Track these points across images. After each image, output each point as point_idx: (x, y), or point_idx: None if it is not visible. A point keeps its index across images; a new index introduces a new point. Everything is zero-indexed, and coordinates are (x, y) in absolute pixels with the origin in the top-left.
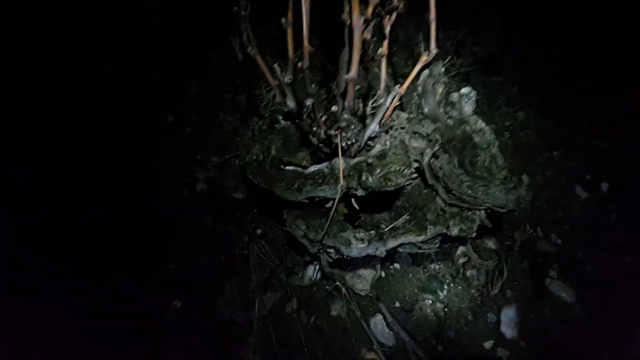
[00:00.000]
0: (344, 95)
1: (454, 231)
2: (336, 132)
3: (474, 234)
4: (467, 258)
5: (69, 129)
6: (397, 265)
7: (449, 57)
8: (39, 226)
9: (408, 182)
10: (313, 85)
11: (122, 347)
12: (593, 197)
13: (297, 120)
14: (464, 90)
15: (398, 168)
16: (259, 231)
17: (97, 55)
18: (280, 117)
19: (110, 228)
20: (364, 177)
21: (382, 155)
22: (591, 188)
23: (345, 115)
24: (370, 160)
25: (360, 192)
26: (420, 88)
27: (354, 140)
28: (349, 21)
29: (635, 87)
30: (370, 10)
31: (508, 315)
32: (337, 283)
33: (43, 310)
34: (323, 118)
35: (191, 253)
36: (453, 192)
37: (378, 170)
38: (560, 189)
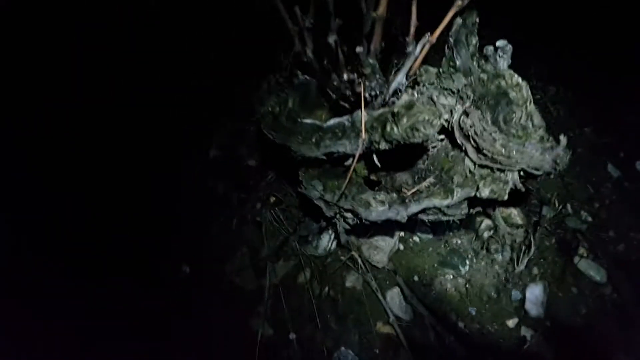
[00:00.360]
0: (369, 37)
1: (485, 192)
2: (359, 80)
3: (506, 197)
4: (492, 232)
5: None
6: (416, 239)
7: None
8: (42, 206)
9: (434, 144)
10: (337, 20)
11: (130, 311)
12: (626, 176)
13: (317, 73)
14: (500, 42)
15: (427, 118)
16: (272, 199)
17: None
18: (299, 72)
19: (120, 192)
20: (388, 128)
21: (409, 106)
22: (624, 167)
23: (371, 60)
24: (396, 110)
25: (383, 146)
26: (452, 39)
27: (377, 92)
28: None
29: None
30: None
31: (534, 293)
32: (353, 253)
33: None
34: (345, 66)
35: (202, 219)
36: (484, 151)
37: (405, 120)
38: (591, 166)
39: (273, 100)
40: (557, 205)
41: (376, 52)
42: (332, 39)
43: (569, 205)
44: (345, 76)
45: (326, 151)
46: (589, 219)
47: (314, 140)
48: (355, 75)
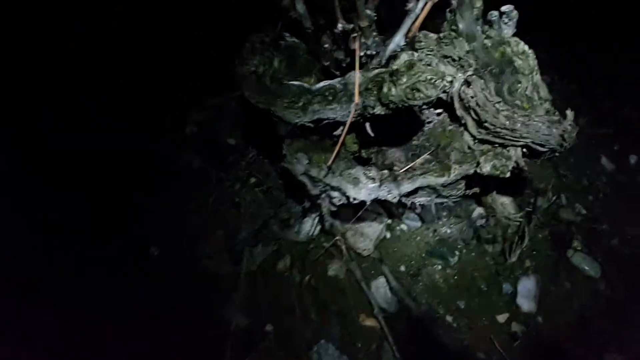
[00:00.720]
0: None
1: (486, 168)
2: (355, 35)
3: (509, 174)
4: (484, 221)
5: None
6: (404, 226)
7: None
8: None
9: (429, 119)
10: None
11: (88, 296)
12: (620, 169)
13: (307, 34)
14: (505, 7)
15: (429, 77)
16: (252, 179)
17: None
18: (287, 34)
19: (86, 167)
20: (385, 89)
21: (410, 65)
22: (619, 160)
23: (369, 11)
24: (395, 68)
25: (379, 110)
26: (455, 1)
27: (373, 51)
28: None
29: None
30: None
31: (526, 286)
32: (337, 239)
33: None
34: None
35: (175, 197)
36: (486, 124)
37: (405, 80)
38: (586, 158)
39: (257, 60)
40: (551, 196)
41: (375, 2)
42: None
43: (563, 197)
44: (340, 26)
45: (314, 117)
46: (583, 211)
47: (301, 103)
48: (351, 27)
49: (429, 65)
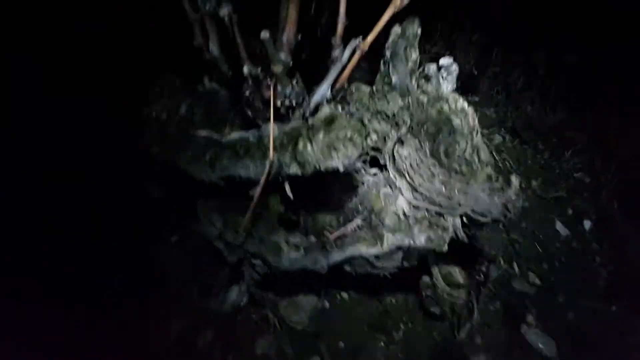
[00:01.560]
0: (282, 24)
1: (420, 240)
2: (269, 83)
3: (445, 248)
4: (430, 291)
5: None
6: (344, 295)
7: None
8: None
9: (364, 179)
10: None
11: None
12: (574, 236)
13: (225, 76)
14: (444, 61)
15: (349, 134)
16: (174, 238)
17: None
18: (206, 78)
19: None
20: (300, 146)
21: (330, 119)
22: (572, 225)
23: (282, 55)
24: (312, 122)
25: (294, 170)
26: (388, 52)
27: (294, 102)
28: None
29: (621, 116)
30: None
31: None
32: (267, 309)
33: None
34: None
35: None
36: (420, 189)
37: (321, 136)
38: (539, 223)
39: (161, 104)
40: (502, 264)
41: (290, 45)
42: (224, 10)
43: (515, 265)
44: (245, 69)
45: (224, 174)
46: (537, 281)
47: (208, 158)
48: (259, 71)
49: (356, 120)
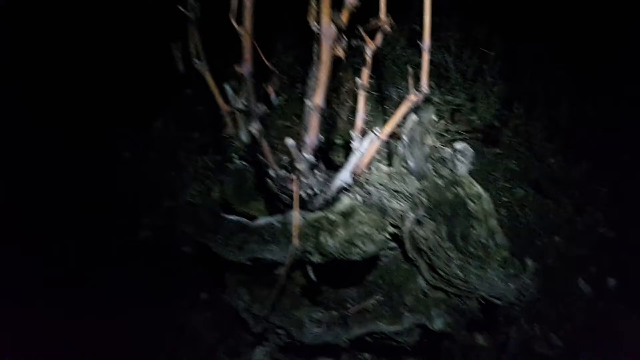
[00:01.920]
0: (306, 127)
1: (437, 324)
2: (292, 177)
3: (464, 332)
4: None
5: None
6: (367, 356)
7: (442, 123)
8: None
9: (384, 253)
10: (259, 106)
11: None
12: (598, 294)
13: (255, 160)
14: (459, 145)
15: (367, 231)
16: (203, 295)
17: None
18: (236, 156)
19: None
20: (322, 239)
21: (349, 213)
22: (596, 283)
23: (306, 155)
24: (332, 217)
25: (317, 259)
26: (406, 137)
27: (317, 191)
28: (315, 27)
29: None
30: (345, 16)
31: None
32: None
33: None
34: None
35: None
36: (439, 271)
37: (341, 232)
38: (562, 281)
39: (195, 189)
40: (524, 324)
41: (313, 145)
42: (254, 127)
43: (536, 326)
44: (272, 173)
45: (251, 256)
46: (559, 343)
47: (237, 243)
48: (288, 172)
49: (380, 203)
